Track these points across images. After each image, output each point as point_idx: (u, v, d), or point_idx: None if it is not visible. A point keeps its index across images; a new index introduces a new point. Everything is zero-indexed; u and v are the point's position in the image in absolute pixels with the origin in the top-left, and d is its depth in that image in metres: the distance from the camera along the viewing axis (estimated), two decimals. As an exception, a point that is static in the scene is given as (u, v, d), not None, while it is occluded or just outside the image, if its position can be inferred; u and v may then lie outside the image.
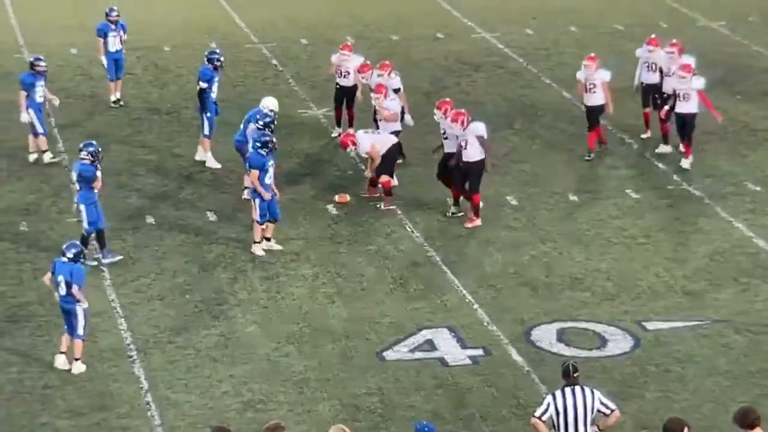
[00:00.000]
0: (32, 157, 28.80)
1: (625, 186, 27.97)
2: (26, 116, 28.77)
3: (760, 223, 26.25)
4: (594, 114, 29.04)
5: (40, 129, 28.74)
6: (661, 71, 29.23)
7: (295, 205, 27.00)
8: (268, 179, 24.92)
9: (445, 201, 26.75)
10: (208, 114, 28.85)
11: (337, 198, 27.26)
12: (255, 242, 25.23)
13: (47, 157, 28.82)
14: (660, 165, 28.75)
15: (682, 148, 28.57)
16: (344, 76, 29.74)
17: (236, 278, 24.50)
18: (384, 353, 22.04)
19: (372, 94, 28.14)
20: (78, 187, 24.97)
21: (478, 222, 26.19)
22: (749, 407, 17.18)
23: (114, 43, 31.85)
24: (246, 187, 26.69)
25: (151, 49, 35.32)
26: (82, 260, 21.65)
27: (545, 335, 22.50)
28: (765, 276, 24.33)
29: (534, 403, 18.69)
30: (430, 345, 22.25)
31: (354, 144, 27.20)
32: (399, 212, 26.77)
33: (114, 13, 31.88)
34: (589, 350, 21.99)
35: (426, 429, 16.87)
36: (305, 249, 25.40)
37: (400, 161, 27.84)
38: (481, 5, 39.14)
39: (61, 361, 21.53)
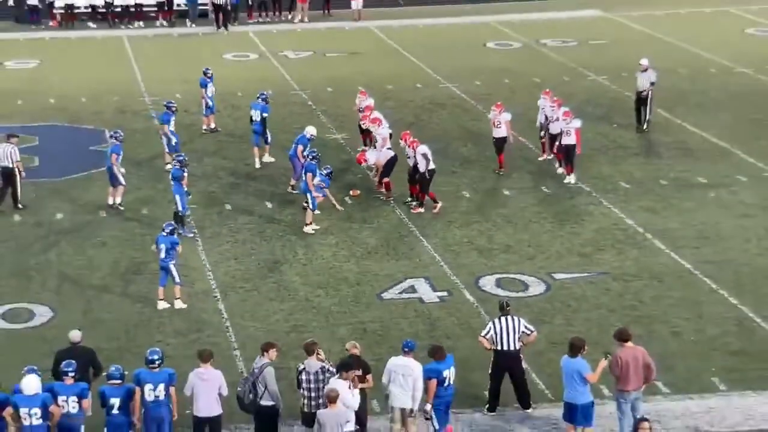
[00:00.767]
0: (168, 167, 28.15)
1: (540, 184, 27.88)
2: (165, 142, 28.57)
3: (629, 209, 26.18)
4: (499, 143, 28.34)
5: (176, 147, 28.35)
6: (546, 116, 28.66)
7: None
8: (317, 181, 24.85)
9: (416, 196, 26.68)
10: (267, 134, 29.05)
11: (351, 193, 27.17)
12: (307, 224, 25.00)
13: (168, 166, 28.53)
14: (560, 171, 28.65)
15: (564, 170, 27.89)
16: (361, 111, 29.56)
17: (285, 245, 24.45)
18: (382, 295, 22.02)
19: (370, 125, 27.86)
20: (172, 184, 24.86)
21: (421, 210, 25.73)
22: (624, 328, 17.30)
23: (209, 91, 31.77)
24: (292, 186, 26.69)
25: (230, 95, 35.20)
26: (177, 233, 21.63)
27: (488, 283, 22.47)
28: (632, 244, 24.31)
29: (480, 327, 18.69)
30: (412, 289, 22.23)
31: (365, 159, 27.24)
32: (392, 202, 26.71)
33: (209, 72, 31.82)
34: (516, 293, 21.96)
35: (410, 344, 16.92)
36: (330, 226, 25.34)
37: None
38: (447, 66, 39.01)
39: (162, 305, 21.44)
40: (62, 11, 47.18)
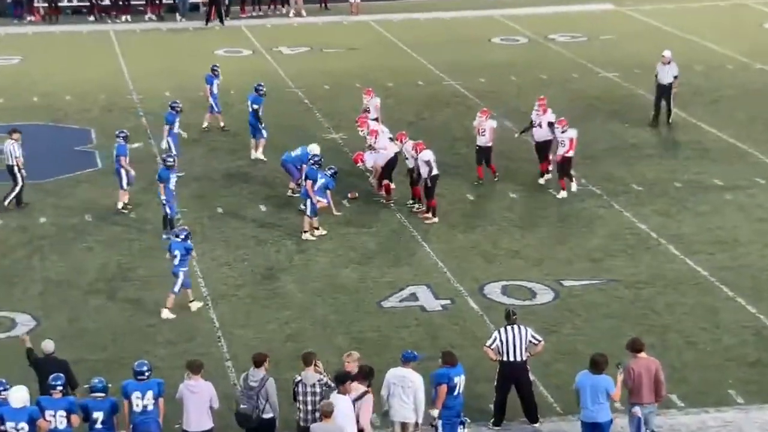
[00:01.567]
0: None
1: (547, 186, 27.82)
2: (165, 143, 28.49)
3: (642, 213, 26.17)
4: (481, 152, 27.70)
5: (174, 151, 28.08)
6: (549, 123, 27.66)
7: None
8: (316, 187, 24.76)
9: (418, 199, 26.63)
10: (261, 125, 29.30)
11: (349, 195, 27.15)
12: (304, 231, 24.85)
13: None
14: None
15: (559, 183, 27.17)
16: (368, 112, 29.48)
17: (279, 250, 24.43)
18: (382, 303, 22.00)
19: (368, 138, 27.43)
20: (160, 185, 24.74)
21: (435, 220, 25.54)
22: (636, 338, 17.25)
23: (216, 88, 31.77)
24: (292, 190, 26.64)
25: (222, 92, 35.03)
26: (190, 238, 21.56)
27: (493, 290, 22.45)
28: (645, 249, 24.29)
29: (485, 336, 18.65)
30: (413, 297, 22.21)
31: (362, 161, 27.17)
32: (392, 205, 26.68)
33: (217, 69, 31.85)
34: (523, 300, 21.95)
35: (410, 355, 16.86)
36: (327, 231, 25.25)
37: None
38: (449, 62, 39.01)
39: (165, 314, 21.42)
40: (45, 5, 47.17)
